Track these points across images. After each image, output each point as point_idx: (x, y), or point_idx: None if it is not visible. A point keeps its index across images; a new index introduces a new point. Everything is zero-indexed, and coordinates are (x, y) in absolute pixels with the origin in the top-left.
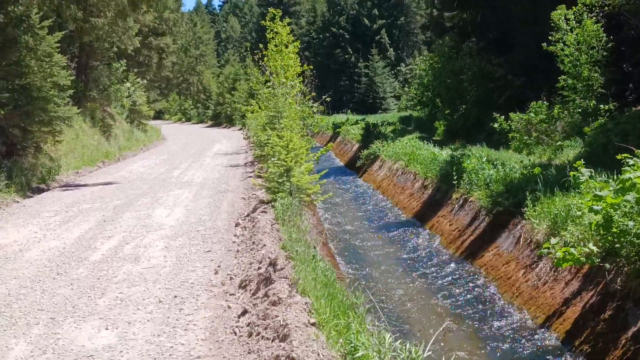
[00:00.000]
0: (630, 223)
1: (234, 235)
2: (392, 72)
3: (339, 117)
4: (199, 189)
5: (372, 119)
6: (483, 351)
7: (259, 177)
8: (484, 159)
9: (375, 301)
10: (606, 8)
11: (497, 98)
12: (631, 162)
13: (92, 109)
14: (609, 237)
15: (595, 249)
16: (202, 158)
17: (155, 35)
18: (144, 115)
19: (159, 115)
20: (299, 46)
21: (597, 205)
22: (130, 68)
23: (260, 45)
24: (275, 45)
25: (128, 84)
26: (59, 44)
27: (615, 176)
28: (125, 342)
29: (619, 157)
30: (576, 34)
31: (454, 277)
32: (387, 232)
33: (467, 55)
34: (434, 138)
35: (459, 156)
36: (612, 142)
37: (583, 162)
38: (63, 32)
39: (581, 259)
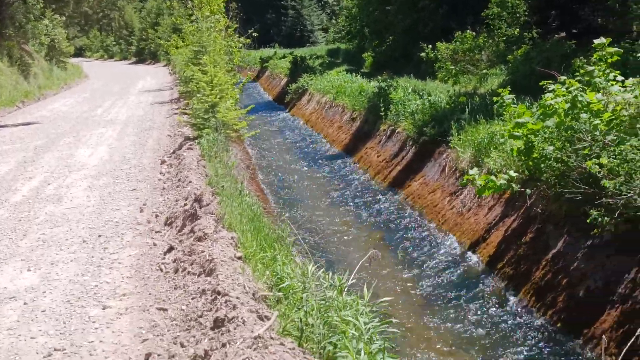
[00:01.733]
0: (550, 148)
1: (160, 173)
2: (319, 4)
3: (267, 52)
4: (123, 127)
5: (300, 52)
6: (409, 277)
7: (185, 113)
8: (411, 90)
9: (301, 235)
10: None
11: (423, 28)
12: (552, 87)
13: (9, 47)
14: (530, 163)
15: (515, 175)
16: (126, 96)
17: None
18: (64, 53)
19: (80, 53)
20: None
21: (518, 132)
22: (47, 4)
23: None
24: None
25: (46, 21)
26: None
27: (537, 102)
28: (49, 282)
29: (541, 83)
30: None
31: (381, 207)
32: (316, 165)
33: None
34: (362, 70)
35: (386, 88)
36: (535, 69)
37: (508, 89)
38: None
39: (502, 186)
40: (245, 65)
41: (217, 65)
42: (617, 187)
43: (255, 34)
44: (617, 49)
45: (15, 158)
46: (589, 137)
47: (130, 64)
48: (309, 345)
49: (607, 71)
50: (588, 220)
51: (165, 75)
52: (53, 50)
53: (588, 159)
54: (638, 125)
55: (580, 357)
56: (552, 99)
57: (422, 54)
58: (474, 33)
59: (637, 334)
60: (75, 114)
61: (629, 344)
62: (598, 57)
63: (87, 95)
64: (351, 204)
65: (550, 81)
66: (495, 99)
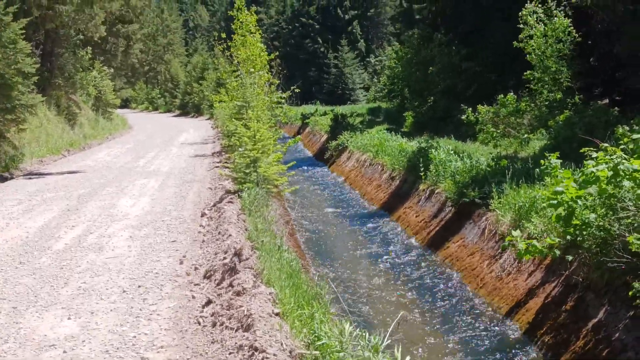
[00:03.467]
0: (592, 215)
1: (200, 226)
2: (362, 63)
3: (308, 108)
4: (165, 179)
5: (340, 110)
6: (445, 340)
7: (226, 167)
8: (451, 151)
9: (338, 292)
10: (573, 1)
11: (464, 90)
12: (594, 155)
13: (57, 97)
14: (571, 230)
15: (557, 240)
16: (169, 147)
17: (122, 23)
18: (110, 104)
19: (125, 104)
20: (262, 34)
21: (555, 200)
22: (96, 56)
23: (223, 35)
24: (242, 35)
25: (94, 72)
26: (23, 31)
27: (579, 169)
28: (88, 331)
29: (583, 150)
30: (544, 27)
31: (419, 267)
32: (354, 223)
33: (436, 47)
34: (402, 130)
35: (426, 148)
36: (577, 135)
37: (555, 154)
38: (28, 19)
39: (543, 250)
40: (286, 121)
41: (259, 121)
42: None
43: (297, 90)
44: None
45: (59, 206)
46: (632, 206)
47: (174, 116)
48: None
49: None
50: (630, 294)
51: (208, 128)
52: (100, 101)
53: (631, 228)
54: None
55: None
56: (594, 166)
57: (463, 117)
58: (515, 96)
59: None
60: (119, 164)
61: None
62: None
63: (131, 146)
64: (388, 263)
65: (593, 148)
66: (542, 162)
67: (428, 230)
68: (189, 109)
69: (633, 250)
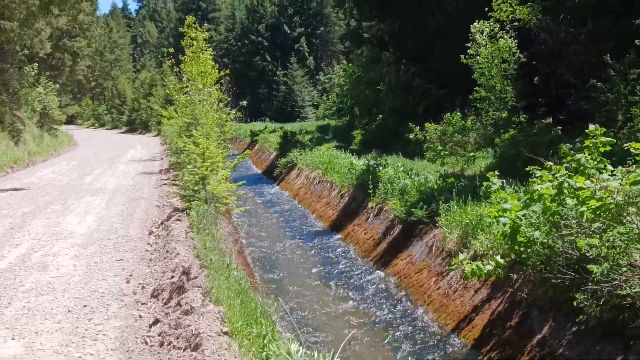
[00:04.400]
0: (537, 233)
1: (147, 244)
2: (311, 81)
3: (257, 125)
4: (112, 196)
5: (290, 127)
6: (394, 356)
7: (175, 184)
8: (400, 169)
9: (287, 310)
10: (516, 23)
11: (413, 108)
12: (539, 173)
13: (1, 113)
14: (516, 247)
15: (502, 261)
16: (116, 164)
17: (69, 38)
18: (56, 120)
19: (71, 120)
20: (212, 53)
21: (504, 217)
22: (42, 71)
23: (173, 51)
24: (193, 52)
25: (40, 88)
26: None
27: (523, 187)
28: (32, 352)
29: (527, 168)
30: (489, 48)
31: (367, 284)
32: (303, 241)
33: (385, 66)
34: (351, 147)
35: (375, 165)
36: (521, 153)
37: (496, 173)
38: None
39: (488, 272)
40: (236, 138)
41: (209, 138)
42: (603, 273)
43: (245, 104)
44: (609, 138)
45: (3, 224)
46: (575, 223)
47: (121, 132)
48: None
49: (598, 159)
50: (575, 303)
51: (156, 145)
52: (45, 117)
53: (574, 245)
54: (624, 214)
55: None
56: (538, 184)
57: (411, 135)
58: (461, 115)
59: None
60: (64, 182)
61: None
62: (590, 144)
63: (77, 163)
64: (337, 280)
65: (537, 167)
66: (484, 184)
67: (377, 248)
68: (136, 125)
69: (582, 252)
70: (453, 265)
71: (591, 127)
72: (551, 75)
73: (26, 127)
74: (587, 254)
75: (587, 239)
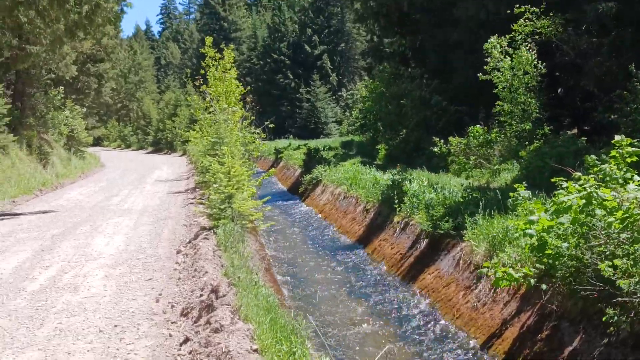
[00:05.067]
0: (564, 244)
1: (176, 263)
2: (334, 97)
3: (281, 143)
4: (139, 217)
5: (314, 143)
6: None
7: (201, 203)
8: (425, 183)
9: (316, 326)
10: (537, 37)
11: (436, 123)
12: (565, 184)
13: (29, 137)
14: (544, 259)
15: (533, 270)
16: (142, 185)
17: (94, 62)
18: (82, 142)
19: (97, 142)
20: (237, 73)
21: (531, 229)
22: (68, 95)
23: (202, 72)
24: (217, 71)
25: (66, 111)
26: None
27: (550, 198)
28: None
29: (554, 180)
30: (511, 61)
31: (395, 300)
32: (330, 257)
33: (407, 81)
34: (376, 162)
35: (399, 180)
36: (547, 164)
37: (524, 184)
38: None
39: (519, 278)
40: (260, 156)
41: (234, 157)
42: (632, 287)
43: (271, 125)
44: (636, 148)
45: (32, 246)
46: (604, 235)
47: (147, 153)
48: None
49: (624, 169)
50: (604, 319)
51: (182, 165)
52: (72, 140)
53: (603, 256)
54: None
55: None
56: (564, 195)
57: (435, 149)
58: (485, 128)
59: None
60: (92, 203)
61: None
62: (616, 154)
63: (104, 185)
64: (364, 296)
65: (563, 178)
66: (511, 194)
67: (403, 262)
68: (161, 145)
69: (605, 276)
70: (483, 268)
71: (617, 137)
72: (574, 86)
73: (54, 149)
74: (612, 277)
75: (610, 262)
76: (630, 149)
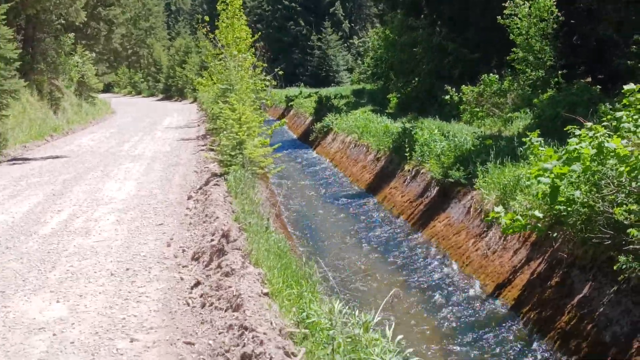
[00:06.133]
0: (577, 192)
1: (187, 208)
2: (345, 45)
3: (292, 91)
4: (150, 163)
5: (325, 92)
6: (432, 317)
7: (212, 150)
8: (436, 131)
9: (327, 270)
10: None
11: (449, 71)
12: (577, 132)
13: (40, 82)
14: (556, 207)
15: (541, 215)
16: (153, 131)
17: (104, 6)
18: (93, 89)
19: (108, 89)
20: (247, 20)
21: (544, 177)
22: (78, 40)
23: (207, 19)
24: (227, 17)
25: (76, 57)
26: (4, 16)
27: (562, 147)
28: (77, 314)
29: (566, 128)
30: (529, 7)
31: (405, 246)
32: (340, 204)
33: (420, 29)
34: (387, 111)
35: (411, 128)
36: (560, 113)
37: (536, 132)
38: (8, 4)
39: (528, 225)
40: (271, 104)
41: (244, 103)
42: None
43: (280, 73)
44: None
45: (44, 191)
46: (615, 183)
47: (157, 100)
48: None
49: (636, 117)
50: (615, 267)
51: (192, 112)
52: (82, 86)
53: (615, 204)
54: None
55: None
56: (577, 143)
57: (447, 97)
58: (498, 76)
59: None
60: (103, 149)
61: None
62: (627, 103)
63: (115, 131)
64: (375, 242)
65: (576, 126)
66: (524, 139)
67: (414, 210)
68: (172, 92)
69: (617, 224)
70: (491, 217)
71: (627, 86)
72: (590, 33)
73: (64, 95)
74: (625, 221)
75: (625, 206)
76: None
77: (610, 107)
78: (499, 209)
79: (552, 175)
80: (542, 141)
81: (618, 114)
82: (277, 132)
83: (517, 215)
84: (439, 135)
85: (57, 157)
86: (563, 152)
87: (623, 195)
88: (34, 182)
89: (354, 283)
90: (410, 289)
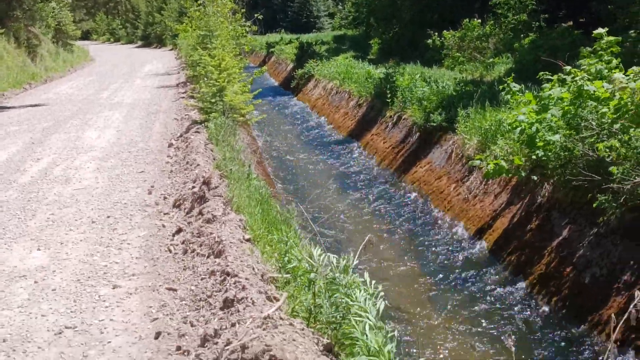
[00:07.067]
0: (556, 136)
1: (167, 156)
2: None
3: (273, 37)
4: (130, 110)
5: (306, 38)
6: (414, 261)
7: (192, 97)
8: (418, 77)
9: (308, 216)
10: None
11: (431, 17)
12: (550, 77)
13: (16, 30)
14: (535, 152)
15: (523, 160)
16: (133, 79)
17: None
18: (71, 36)
19: (86, 36)
20: None
21: (520, 125)
22: None
23: None
24: None
25: (53, 3)
26: None
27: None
28: (58, 262)
29: (538, 75)
30: None
31: (387, 192)
32: (322, 150)
33: None
34: (369, 57)
35: (393, 74)
36: (540, 58)
37: (513, 76)
38: None
39: (510, 170)
40: (252, 50)
41: (224, 49)
42: (624, 173)
43: (260, 17)
44: (616, 37)
45: (23, 139)
46: (595, 125)
47: (136, 47)
48: (317, 326)
49: (609, 59)
50: (594, 205)
51: (172, 59)
52: (60, 33)
53: (595, 147)
54: None
55: (585, 342)
56: (549, 89)
57: (429, 42)
58: (479, 21)
59: (629, 310)
60: (82, 97)
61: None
62: (599, 47)
63: (94, 79)
64: (356, 188)
65: (547, 72)
66: (501, 87)
67: (396, 156)
68: (151, 39)
69: (600, 160)
70: (476, 160)
71: (597, 31)
72: None
73: (42, 43)
74: (607, 159)
75: (607, 141)
76: (610, 38)
77: (591, 51)
78: (484, 154)
79: (527, 124)
80: (522, 87)
81: (592, 62)
82: (258, 78)
83: (500, 160)
84: (420, 81)
85: (36, 105)
86: (537, 99)
87: (604, 137)
88: (12, 131)
89: (336, 228)
90: (391, 234)
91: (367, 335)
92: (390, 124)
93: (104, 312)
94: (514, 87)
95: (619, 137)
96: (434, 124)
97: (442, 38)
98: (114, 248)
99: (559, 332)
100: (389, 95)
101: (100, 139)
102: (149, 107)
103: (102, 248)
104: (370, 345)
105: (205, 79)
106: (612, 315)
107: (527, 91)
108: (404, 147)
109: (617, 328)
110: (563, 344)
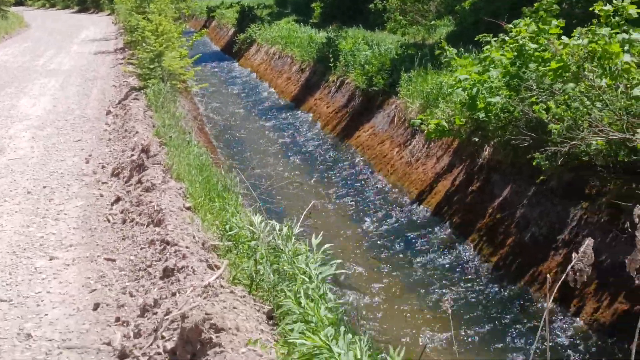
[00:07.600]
0: (497, 98)
1: (106, 124)
2: None
3: (214, 1)
4: (67, 77)
5: (247, 1)
6: (357, 225)
7: (130, 63)
8: (360, 40)
9: (250, 183)
10: None
11: None
12: (489, 40)
13: None
14: (476, 114)
15: (463, 120)
16: (69, 45)
17: None
18: (4, 2)
19: (21, 2)
20: None
21: (460, 88)
22: None
23: None
24: None
25: None
26: None
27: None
28: None
29: (477, 37)
30: None
31: (330, 157)
32: (266, 116)
33: None
34: (311, 21)
35: (335, 38)
36: (482, 19)
37: (444, 43)
38: None
39: (452, 130)
40: (192, 14)
41: (162, 14)
42: (561, 132)
43: None
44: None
45: None
46: (535, 86)
47: (73, 12)
48: (259, 293)
49: (549, 19)
50: (534, 163)
51: (109, 24)
52: None
53: (535, 106)
54: (584, 72)
55: (524, 298)
56: (487, 51)
57: (371, 5)
58: None
59: (568, 268)
60: (17, 64)
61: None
62: (540, 7)
63: (29, 45)
64: (299, 153)
65: (487, 34)
66: (437, 52)
67: (339, 121)
68: (88, 4)
69: (539, 120)
70: (417, 119)
71: None
72: None
73: None
74: (546, 119)
75: (542, 104)
76: None
77: (533, 10)
78: (426, 114)
79: (469, 85)
80: (459, 51)
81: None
82: (200, 44)
83: (440, 120)
84: (363, 44)
85: None
86: (477, 61)
87: (545, 97)
88: None
89: (279, 195)
90: (336, 199)
91: (302, 304)
92: (333, 88)
93: (40, 284)
94: (452, 51)
95: (557, 97)
96: (377, 88)
97: (385, 1)
98: (51, 219)
99: (498, 288)
100: (331, 60)
101: (35, 107)
102: (86, 74)
103: (39, 219)
104: (310, 313)
105: (143, 44)
106: (548, 276)
107: (465, 55)
108: (347, 112)
109: (555, 289)
110: (504, 301)
